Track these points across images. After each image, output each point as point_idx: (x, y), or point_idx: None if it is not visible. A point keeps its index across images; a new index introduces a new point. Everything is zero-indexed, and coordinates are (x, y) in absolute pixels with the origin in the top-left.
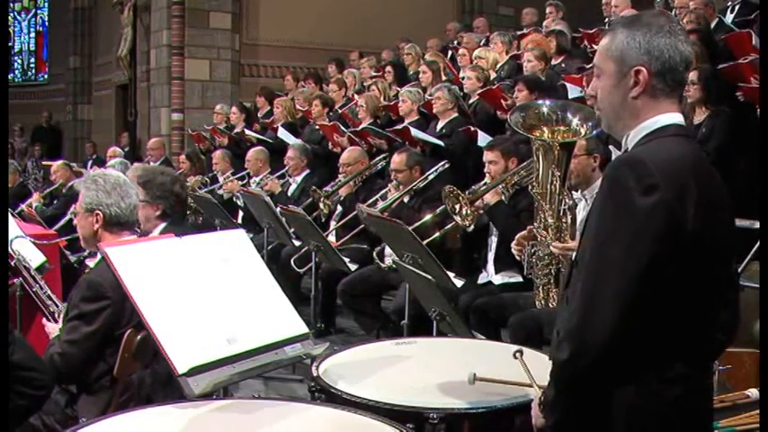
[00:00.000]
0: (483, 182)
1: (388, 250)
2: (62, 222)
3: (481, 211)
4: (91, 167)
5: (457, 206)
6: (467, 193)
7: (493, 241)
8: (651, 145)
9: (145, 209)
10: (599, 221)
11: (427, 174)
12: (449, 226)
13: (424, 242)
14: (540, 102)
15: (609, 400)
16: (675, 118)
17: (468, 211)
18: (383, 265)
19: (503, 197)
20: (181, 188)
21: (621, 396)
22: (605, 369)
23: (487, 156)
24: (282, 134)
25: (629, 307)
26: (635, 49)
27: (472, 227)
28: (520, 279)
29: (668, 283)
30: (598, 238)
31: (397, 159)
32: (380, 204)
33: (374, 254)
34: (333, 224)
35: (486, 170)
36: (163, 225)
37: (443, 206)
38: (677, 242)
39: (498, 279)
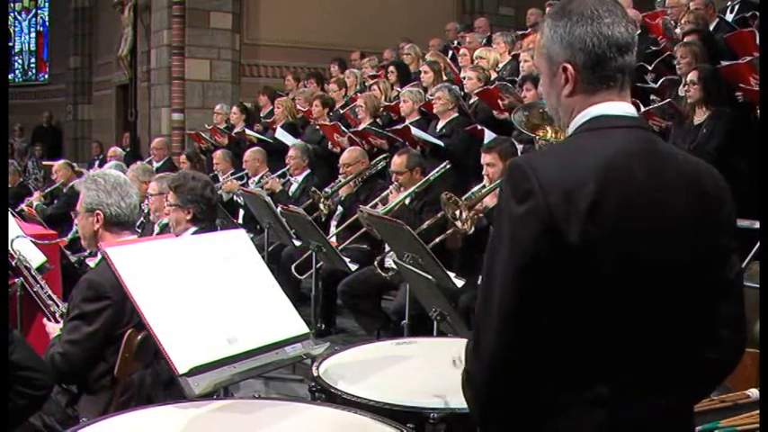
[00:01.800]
0: (481, 184)
1: (387, 258)
2: (70, 235)
3: (481, 214)
4: (96, 167)
5: (457, 212)
6: (464, 198)
7: None
8: (559, 144)
9: (176, 212)
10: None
11: (429, 175)
12: (449, 231)
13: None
14: (544, 101)
15: (530, 423)
16: (608, 109)
17: (468, 216)
18: (386, 275)
19: None
20: (211, 193)
21: (542, 418)
22: (506, 387)
23: (485, 158)
24: (280, 134)
25: (513, 321)
26: (558, 44)
27: (472, 229)
28: None
29: (561, 296)
30: (487, 251)
31: (398, 161)
32: (382, 208)
33: (375, 262)
34: (333, 225)
35: (484, 172)
36: (193, 229)
37: (443, 212)
38: (561, 251)
39: None
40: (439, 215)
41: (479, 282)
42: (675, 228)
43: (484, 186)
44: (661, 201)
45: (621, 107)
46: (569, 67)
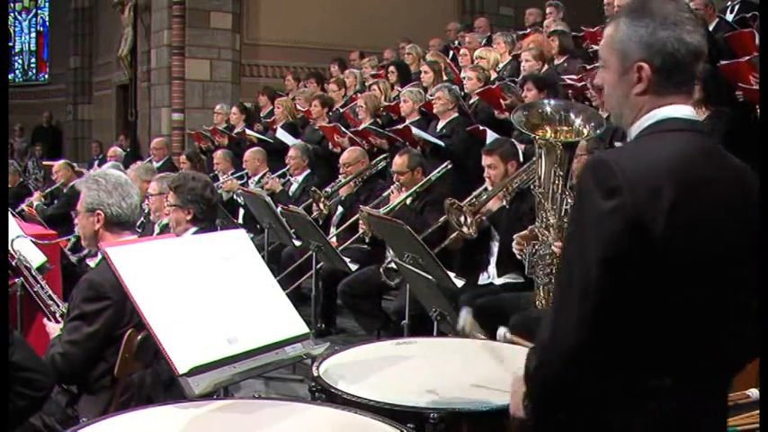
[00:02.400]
0: (483, 187)
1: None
2: (73, 237)
3: (483, 218)
4: (95, 167)
5: (461, 218)
6: (466, 202)
7: (495, 245)
8: (635, 143)
9: (176, 213)
10: (568, 226)
11: (430, 176)
12: (452, 236)
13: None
14: (543, 101)
15: (590, 415)
16: (676, 111)
17: (473, 221)
18: (391, 283)
19: (504, 202)
20: (211, 193)
21: (604, 410)
22: (575, 381)
23: (486, 160)
24: (281, 135)
25: (593, 315)
26: (636, 43)
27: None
28: (521, 280)
29: (639, 291)
30: (565, 244)
31: (399, 161)
32: (383, 208)
33: (380, 270)
34: (333, 225)
35: (485, 174)
36: (193, 229)
37: (445, 216)
38: (644, 248)
39: (500, 281)
40: (441, 220)
41: (559, 275)
42: (730, 223)
43: (486, 189)
44: (720, 198)
45: (687, 110)
46: (645, 66)
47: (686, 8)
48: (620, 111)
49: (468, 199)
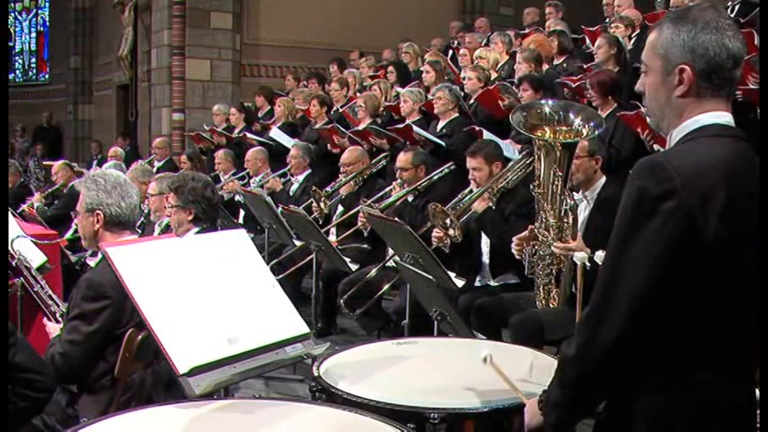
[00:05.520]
0: (468, 189)
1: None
2: (69, 234)
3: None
4: (95, 167)
5: (447, 220)
6: (450, 206)
7: (486, 244)
8: (684, 146)
9: (177, 214)
10: (617, 223)
11: (432, 174)
12: (436, 242)
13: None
14: (542, 101)
15: (626, 404)
16: (719, 117)
17: (457, 224)
18: (353, 314)
19: (490, 203)
20: (212, 193)
21: (642, 400)
22: (614, 370)
23: (471, 162)
24: (275, 134)
25: (640, 310)
26: (679, 46)
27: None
28: (517, 281)
29: (686, 289)
30: (615, 241)
31: (403, 158)
32: (384, 202)
33: (341, 301)
34: (333, 225)
35: (470, 177)
36: (195, 229)
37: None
38: (695, 249)
39: (495, 283)
40: (428, 225)
41: (605, 268)
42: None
43: (471, 191)
44: (756, 203)
45: (728, 118)
46: (687, 69)
47: (727, 15)
48: (661, 114)
49: (453, 202)
